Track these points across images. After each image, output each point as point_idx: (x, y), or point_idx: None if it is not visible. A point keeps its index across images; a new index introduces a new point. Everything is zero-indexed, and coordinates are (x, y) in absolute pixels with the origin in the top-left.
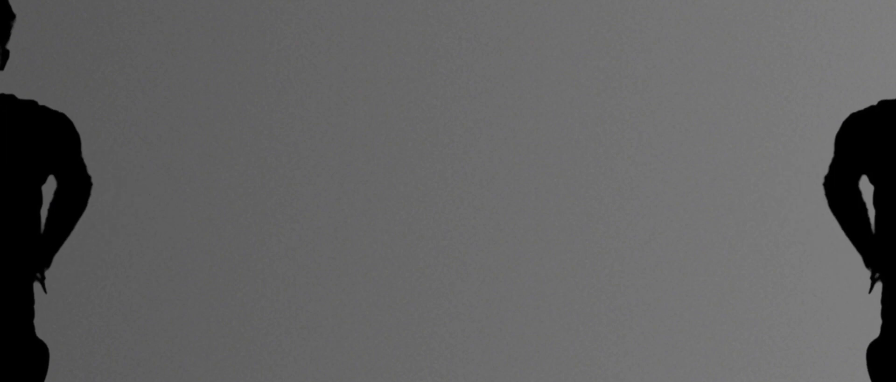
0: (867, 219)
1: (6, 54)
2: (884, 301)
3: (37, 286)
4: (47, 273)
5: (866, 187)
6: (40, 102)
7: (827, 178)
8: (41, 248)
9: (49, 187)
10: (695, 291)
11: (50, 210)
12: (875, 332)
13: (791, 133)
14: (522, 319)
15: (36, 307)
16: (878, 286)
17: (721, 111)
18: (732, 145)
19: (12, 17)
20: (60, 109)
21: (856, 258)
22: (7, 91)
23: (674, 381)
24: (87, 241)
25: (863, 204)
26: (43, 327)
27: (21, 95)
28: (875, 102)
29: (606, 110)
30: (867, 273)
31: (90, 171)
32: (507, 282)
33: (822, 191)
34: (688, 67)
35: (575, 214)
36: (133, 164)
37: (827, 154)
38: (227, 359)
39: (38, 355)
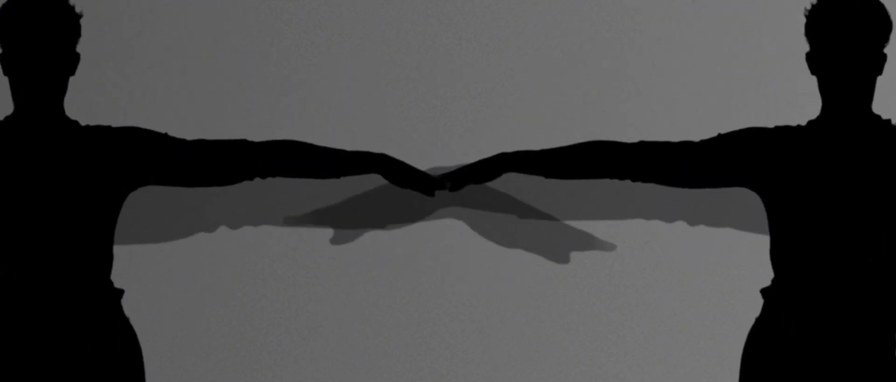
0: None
1: (77, 57)
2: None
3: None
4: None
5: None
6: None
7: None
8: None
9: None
10: (694, 291)
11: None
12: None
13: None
14: (523, 319)
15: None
16: None
17: (722, 111)
18: None
19: (77, 16)
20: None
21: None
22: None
23: (673, 381)
24: None
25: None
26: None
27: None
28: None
29: (606, 110)
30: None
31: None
32: (507, 282)
33: None
34: (688, 67)
35: (575, 213)
36: None
37: None
38: (227, 359)
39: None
